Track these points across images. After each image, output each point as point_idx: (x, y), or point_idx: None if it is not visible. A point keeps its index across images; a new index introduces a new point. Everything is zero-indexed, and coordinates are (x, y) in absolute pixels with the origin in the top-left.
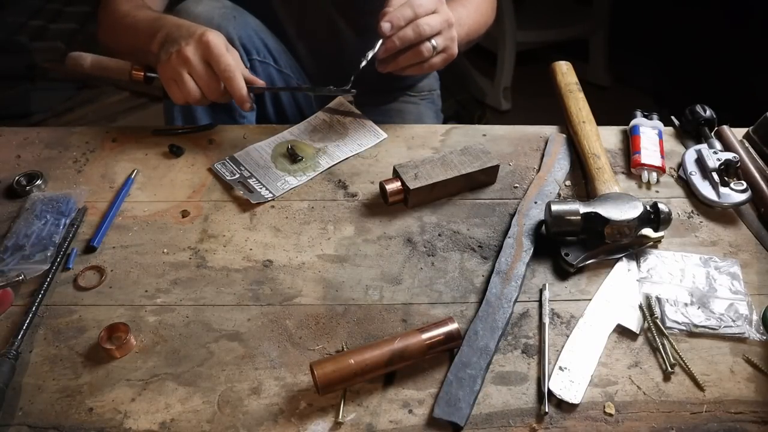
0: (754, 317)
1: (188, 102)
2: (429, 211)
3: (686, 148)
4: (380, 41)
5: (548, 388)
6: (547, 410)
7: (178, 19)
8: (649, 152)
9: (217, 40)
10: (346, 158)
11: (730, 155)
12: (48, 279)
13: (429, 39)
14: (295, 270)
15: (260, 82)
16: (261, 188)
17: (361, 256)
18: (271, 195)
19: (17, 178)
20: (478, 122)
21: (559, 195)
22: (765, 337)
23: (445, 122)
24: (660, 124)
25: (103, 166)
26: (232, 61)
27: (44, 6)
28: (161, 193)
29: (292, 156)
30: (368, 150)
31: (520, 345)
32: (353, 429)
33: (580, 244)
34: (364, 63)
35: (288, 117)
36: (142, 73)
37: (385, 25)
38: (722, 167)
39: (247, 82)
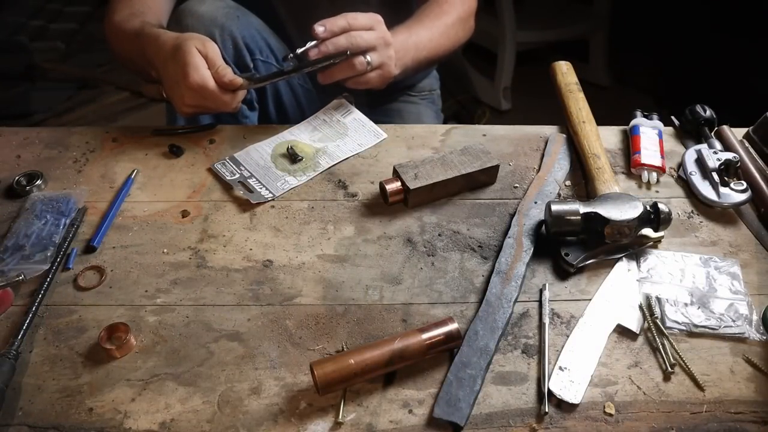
0: (754, 317)
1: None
2: (429, 211)
3: (686, 148)
4: (312, 42)
5: (548, 388)
6: (547, 410)
7: (150, 39)
8: (649, 152)
9: (199, 79)
10: (346, 158)
11: (730, 155)
12: (48, 279)
13: (363, 54)
14: (295, 270)
15: (238, 81)
16: (261, 188)
17: (361, 256)
18: (271, 195)
19: (17, 178)
20: (478, 122)
21: (559, 195)
22: (765, 337)
23: (445, 122)
24: (660, 124)
25: (103, 166)
26: (222, 97)
27: (44, 6)
28: (161, 193)
29: (292, 156)
30: (368, 150)
31: (520, 345)
32: (353, 429)
33: (580, 244)
34: (291, 56)
35: (289, 117)
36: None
37: (319, 28)
38: (722, 167)
39: (234, 87)
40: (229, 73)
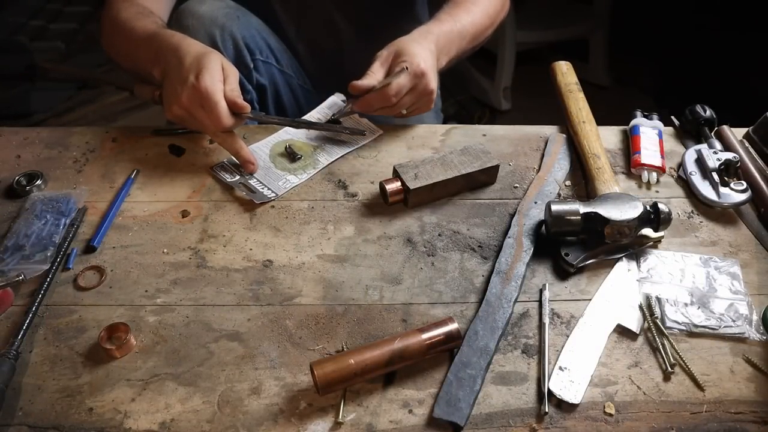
0: (754, 317)
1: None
2: (429, 211)
3: (686, 148)
4: (348, 105)
5: (548, 388)
6: (547, 410)
7: (171, 38)
8: (649, 152)
9: (209, 85)
10: (345, 154)
11: (730, 155)
12: (48, 279)
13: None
14: (295, 270)
15: (246, 107)
16: (263, 188)
17: (361, 256)
18: (274, 194)
19: (17, 178)
20: (478, 122)
21: (559, 195)
22: (765, 337)
23: (445, 122)
24: (660, 124)
25: (103, 166)
26: (223, 111)
27: (44, 6)
28: (161, 193)
29: (291, 155)
30: (368, 150)
31: (520, 345)
32: (353, 429)
33: (580, 244)
34: (338, 114)
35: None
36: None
37: (356, 108)
38: (722, 167)
39: (239, 111)
40: (239, 94)
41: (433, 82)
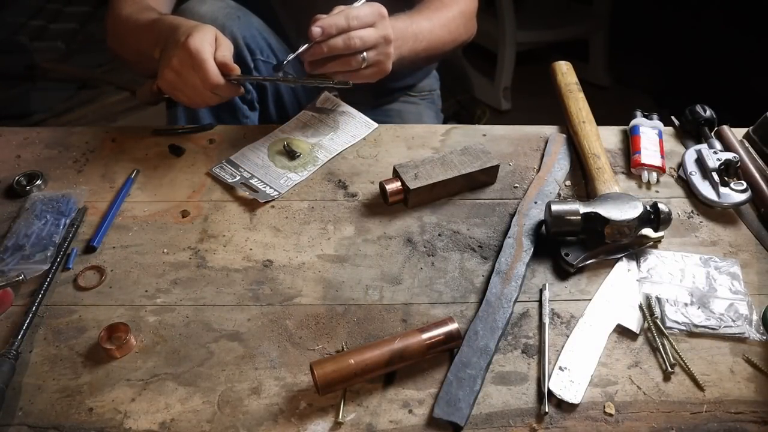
0: (754, 317)
1: (197, 106)
2: (429, 211)
3: (686, 148)
4: (307, 44)
5: (548, 388)
6: (547, 410)
7: (173, 19)
8: (649, 152)
9: (198, 44)
10: (343, 150)
11: (730, 155)
12: (48, 279)
13: (360, 52)
14: (295, 270)
15: (236, 69)
16: (265, 187)
17: (361, 256)
18: (277, 192)
19: (17, 178)
20: (478, 122)
21: (559, 195)
22: (765, 337)
23: (445, 122)
24: (660, 124)
25: (103, 166)
26: (212, 69)
27: (44, 6)
28: (161, 193)
29: (290, 153)
30: (368, 150)
31: (520, 345)
32: (353, 429)
33: (580, 244)
34: (291, 57)
35: (290, 117)
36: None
37: (316, 30)
38: (722, 167)
39: (229, 72)
40: (229, 57)
41: (391, 32)
